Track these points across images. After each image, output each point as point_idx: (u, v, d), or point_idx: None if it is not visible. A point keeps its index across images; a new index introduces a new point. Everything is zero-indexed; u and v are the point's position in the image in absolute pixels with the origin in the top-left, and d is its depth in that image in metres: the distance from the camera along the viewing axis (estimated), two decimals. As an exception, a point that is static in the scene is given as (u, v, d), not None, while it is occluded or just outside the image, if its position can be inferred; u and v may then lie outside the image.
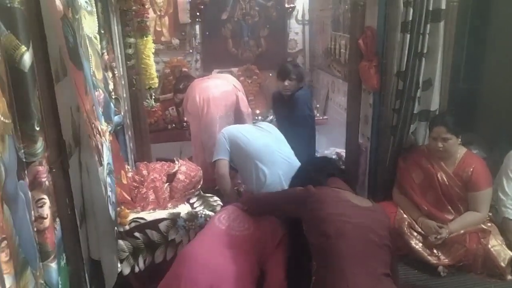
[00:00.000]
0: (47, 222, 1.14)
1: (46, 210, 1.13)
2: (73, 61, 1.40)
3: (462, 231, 2.48)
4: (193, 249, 1.77)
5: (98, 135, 1.59)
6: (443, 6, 2.52)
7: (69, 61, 1.38)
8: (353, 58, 2.86)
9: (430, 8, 2.50)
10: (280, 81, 3.40)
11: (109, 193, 1.63)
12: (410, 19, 2.50)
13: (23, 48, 1.04)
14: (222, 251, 1.77)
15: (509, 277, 2.37)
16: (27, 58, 1.05)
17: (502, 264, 2.36)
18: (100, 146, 1.58)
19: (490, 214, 2.61)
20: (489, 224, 2.54)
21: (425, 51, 2.57)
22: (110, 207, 1.63)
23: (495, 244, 2.42)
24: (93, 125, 1.54)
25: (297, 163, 2.89)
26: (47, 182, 1.14)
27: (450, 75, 2.81)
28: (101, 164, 1.57)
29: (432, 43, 2.58)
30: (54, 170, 1.28)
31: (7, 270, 0.87)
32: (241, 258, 1.76)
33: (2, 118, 0.95)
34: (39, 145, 1.10)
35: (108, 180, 1.65)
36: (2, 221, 0.89)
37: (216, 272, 1.68)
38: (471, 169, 2.52)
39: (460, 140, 2.55)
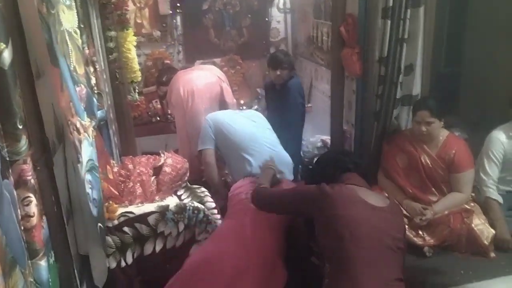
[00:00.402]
0: (34, 220, 1.13)
1: (33, 208, 1.13)
2: (49, 58, 1.39)
3: (446, 212, 2.53)
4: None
5: (75, 132, 1.58)
6: (423, -9, 2.54)
7: (47, 56, 1.36)
8: (335, 45, 2.88)
9: (410, -6, 2.52)
10: (272, 70, 3.39)
11: (89, 190, 1.63)
12: (391, 5, 2.51)
13: (2, 45, 1.02)
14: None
15: (492, 254, 2.44)
16: (6, 55, 1.03)
17: (486, 242, 2.42)
18: (78, 143, 1.57)
19: (473, 194, 2.67)
20: (472, 204, 2.60)
21: (406, 36, 2.59)
22: (90, 205, 1.62)
23: (478, 223, 2.48)
24: (69, 122, 1.53)
25: (284, 153, 2.91)
26: (32, 180, 1.13)
27: (431, 60, 2.85)
28: (79, 161, 1.56)
29: (413, 28, 2.60)
30: (38, 168, 1.27)
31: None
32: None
33: None
34: (23, 143, 1.09)
35: (89, 177, 1.64)
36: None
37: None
38: (454, 151, 2.57)
39: (442, 123, 2.59)
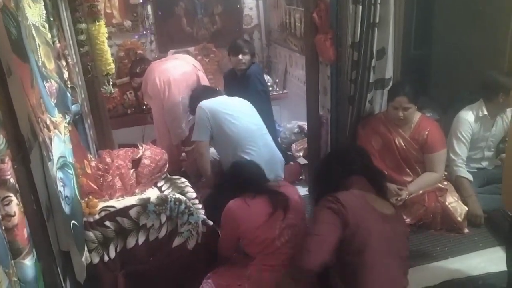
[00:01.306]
0: (15, 220, 1.12)
1: (14, 208, 1.11)
2: (17, 54, 1.35)
3: (420, 192, 2.63)
4: None
5: (45, 129, 1.56)
6: (392, -25, 2.57)
7: (12, 54, 1.33)
8: (308, 31, 2.89)
9: (379, -22, 2.55)
10: (234, 56, 3.41)
11: (61, 188, 1.61)
12: (361, -10, 2.54)
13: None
14: None
15: (466, 230, 2.55)
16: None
17: (459, 219, 2.53)
18: (48, 141, 1.55)
19: (446, 173, 2.77)
20: (445, 183, 2.70)
21: (377, 21, 2.62)
22: (62, 202, 1.61)
23: (452, 201, 2.59)
24: (39, 119, 1.51)
25: (277, 151, 2.93)
26: (11, 180, 1.12)
27: (402, 43, 2.91)
28: (50, 159, 1.54)
29: (384, 12, 2.63)
30: (15, 166, 1.25)
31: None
32: None
33: None
34: (-1, 142, 1.08)
35: (60, 174, 1.62)
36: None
37: None
38: (426, 132, 2.65)
39: (416, 107, 2.66)
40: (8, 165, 1.11)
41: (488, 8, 3.30)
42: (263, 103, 3.41)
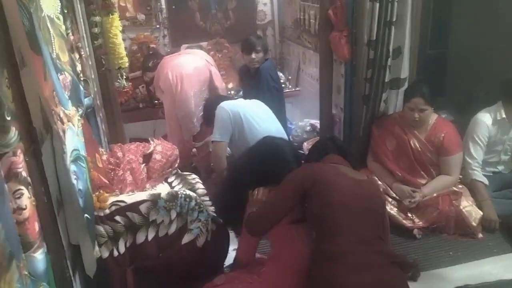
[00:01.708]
0: (26, 213, 1.11)
1: (25, 201, 1.10)
2: (30, 46, 1.34)
3: (435, 194, 2.58)
4: None
5: (59, 122, 1.55)
6: (411, -27, 2.53)
7: (27, 45, 1.32)
8: (323, 28, 2.86)
9: (398, -24, 2.50)
10: (247, 55, 3.38)
11: (74, 181, 1.60)
12: (379, -13, 2.50)
13: (-16, 35, 0.99)
14: None
15: (480, 235, 2.50)
16: (-12, 45, 1.00)
17: (474, 224, 2.48)
18: (62, 133, 1.54)
19: (461, 176, 2.71)
20: (460, 186, 2.65)
21: (394, 19, 2.58)
22: (77, 195, 1.60)
23: (466, 205, 2.53)
24: (52, 111, 1.49)
25: None
26: (23, 173, 1.11)
27: (418, 42, 2.86)
28: (64, 152, 1.53)
29: (401, 10, 2.60)
30: (27, 159, 1.24)
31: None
32: None
33: None
34: (11, 135, 1.06)
35: (74, 167, 1.61)
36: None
37: None
38: (443, 135, 2.60)
39: (432, 108, 2.61)
40: (20, 158, 1.09)
41: (506, 8, 3.23)
42: (275, 100, 3.36)
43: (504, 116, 2.71)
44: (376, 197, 1.86)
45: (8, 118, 1.05)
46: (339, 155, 2.02)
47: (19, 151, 1.09)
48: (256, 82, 3.39)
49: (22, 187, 1.10)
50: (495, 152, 2.83)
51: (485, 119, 2.74)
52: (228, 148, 2.98)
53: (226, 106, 2.79)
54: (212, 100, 3.11)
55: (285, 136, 2.88)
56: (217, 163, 2.84)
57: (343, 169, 1.89)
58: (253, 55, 3.32)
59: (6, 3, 1.20)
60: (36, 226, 1.18)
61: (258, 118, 2.81)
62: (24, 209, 1.11)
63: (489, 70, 3.41)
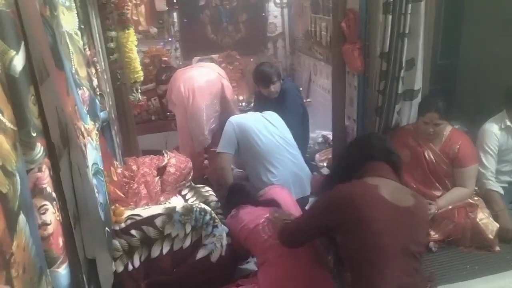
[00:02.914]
0: (51, 228, 1.12)
1: (49, 216, 1.11)
2: (54, 61, 1.36)
3: (450, 207, 2.55)
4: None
5: (81, 136, 1.56)
6: (423, -14, 2.52)
7: (51, 60, 1.34)
8: (336, 40, 2.86)
9: (411, -12, 2.50)
10: (265, 88, 3.26)
11: (96, 195, 1.61)
12: (392, 0, 2.49)
13: (12, 52, 1.00)
14: None
15: (497, 248, 2.46)
16: (17, 62, 1.01)
17: (490, 236, 2.44)
18: (84, 148, 1.55)
19: (476, 188, 2.68)
20: (476, 198, 2.61)
21: (407, 31, 2.57)
22: (99, 208, 1.61)
23: (483, 217, 2.49)
24: (75, 126, 1.51)
25: (304, 165, 2.89)
26: (48, 188, 1.12)
27: (431, 54, 2.85)
28: (87, 166, 1.55)
29: (414, 23, 2.58)
30: (52, 174, 1.25)
31: (18, 285, 0.85)
32: None
33: (11, 126, 0.93)
34: (37, 151, 1.07)
35: (94, 181, 1.62)
36: (19, 233, 0.88)
37: None
38: (458, 146, 2.57)
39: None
40: (45, 173, 1.11)
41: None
42: (304, 117, 3.39)
43: (508, 124, 2.70)
44: (421, 234, 1.60)
45: (34, 135, 1.07)
46: (385, 163, 1.70)
47: (44, 167, 1.11)
48: (281, 104, 3.26)
49: (47, 203, 1.12)
50: (508, 161, 2.80)
51: (492, 128, 2.74)
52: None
53: (233, 119, 2.87)
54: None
55: (295, 147, 2.89)
56: (221, 174, 2.87)
57: (386, 189, 1.58)
58: (272, 88, 3.22)
59: (30, 19, 1.22)
60: (60, 241, 1.19)
61: (266, 128, 2.82)
62: (49, 224, 1.13)
63: (500, 79, 3.38)
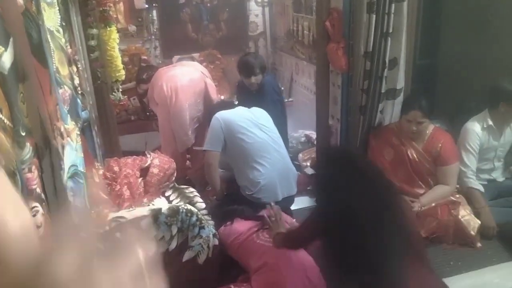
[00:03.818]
0: (41, 231, 1.07)
1: (40, 219, 1.06)
2: (37, 58, 1.31)
3: (433, 204, 2.58)
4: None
5: (59, 137, 1.51)
6: (406, -14, 2.55)
7: (32, 58, 1.28)
8: (320, 39, 2.86)
9: (394, -12, 2.52)
10: (246, 78, 3.24)
11: (71, 198, 1.56)
12: (375, -1, 2.51)
13: (1, 48, 0.95)
14: None
15: (478, 244, 2.51)
16: (6, 59, 0.96)
17: (472, 233, 2.49)
18: (60, 149, 1.50)
19: (458, 186, 2.73)
20: (457, 196, 2.66)
21: (390, 30, 2.60)
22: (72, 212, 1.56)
23: (465, 214, 2.54)
24: (54, 126, 1.46)
25: (290, 163, 2.86)
26: (37, 189, 1.07)
27: (413, 53, 2.88)
28: (61, 168, 1.49)
29: (397, 22, 2.61)
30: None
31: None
32: None
33: (9, 123, 0.88)
34: (26, 151, 1.02)
35: (71, 184, 1.57)
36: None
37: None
38: (440, 145, 2.61)
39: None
40: (34, 174, 1.06)
41: (495, 17, 3.29)
42: (280, 113, 3.33)
43: (490, 123, 2.75)
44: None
45: (23, 134, 1.02)
46: None
47: (33, 167, 1.06)
48: (259, 97, 3.28)
49: (37, 204, 1.07)
50: (488, 160, 2.86)
51: (474, 127, 2.78)
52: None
53: (220, 115, 2.76)
54: (214, 106, 3.03)
55: (282, 145, 2.87)
56: (208, 171, 2.77)
57: None
58: (253, 79, 3.20)
59: (11, 15, 1.16)
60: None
61: (254, 125, 2.76)
62: (40, 226, 1.08)
63: (479, 79, 3.45)
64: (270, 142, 2.74)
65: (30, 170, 1.04)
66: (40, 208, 1.06)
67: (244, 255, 2.11)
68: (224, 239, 2.19)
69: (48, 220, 1.13)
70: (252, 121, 2.76)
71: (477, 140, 2.77)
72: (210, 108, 3.11)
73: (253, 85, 3.25)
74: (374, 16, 2.55)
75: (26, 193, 1.02)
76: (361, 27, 2.59)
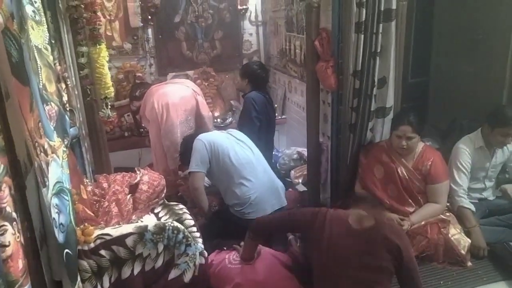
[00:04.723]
0: (9, 250, 1.06)
1: (8, 237, 1.06)
2: (17, 77, 1.31)
3: (423, 223, 2.58)
4: None
5: (42, 154, 1.51)
6: (394, 6, 2.57)
7: (11, 77, 1.29)
8: (309, 59, 2.89)
9: (382, 8, 2.55)
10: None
11: (55, 215, 1.55)
12: (363, 19, 2.54)
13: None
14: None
15: (469, 263, 2.49)
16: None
17: (462, 252, 2.47)
18: (45, 166, 1.50)
19: (448, 204, 2.72)
20: (447, 214, 2.65)
21: (379, 50, 2.62)
22: (56, 230, 1.54)
23: (455, 232, 2.53)
24: (36, 143, 1.46)
25: (274, 177, 2.89)
26: (8, 208, 1.07)
27: (402, 72, 2.91)
28: (45, 185, 1.49)
29: (385, 42, 2.64)
30: (12, 193, 1.20)
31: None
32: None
33: None
34: (-2, 169, 1.03)
35: (55, 201, 1.56)
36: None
37: None
38: (430, 163, 2.62)
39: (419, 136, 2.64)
40: (5, 192, 1.06)
41: (486, 36, 3.33)
42: (253, 131, 3.31)
43: (482, 144, 2.76)
44: (377, 249, 1.84)
45: (-6, 152, 1.02)
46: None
47: (4, 186, 1.06)
48: (242, 110, 3.44)
49: (6, 223, 1.06)
50: (479, 179, 2.87)
51: (465, 146, 2.78)
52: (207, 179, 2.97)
53: (202, 137, 2.81)
54: (187, 139, 3.02)
55: (264, 160, 2.90)
56: (194, 194, 2.80)
57: (349, 219, 1.93)
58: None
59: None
60: (20, 263, 1.13)
61: (235, 143, 2.83)
62: (7, 246, 1.07)
63: (470, 96, 3.48)
64: (252, 159, 2.79)
65: (0, 189, 1.03)
66: (9, 227, 1.06)
67: (221, 282, 2.21)
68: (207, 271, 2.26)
69: (19, 239, 1.12)
70: (231, 140, 2.80)
71: (469, 159, 2.77)
72: (184, 143, 3.08)
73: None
74: (362, 36, 2.58)
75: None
76: (350, 47, 2.62)
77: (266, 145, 3.41)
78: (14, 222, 1.10)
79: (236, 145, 2.81)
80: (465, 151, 2.77)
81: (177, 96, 3.31)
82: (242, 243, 2.34)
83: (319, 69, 2.79)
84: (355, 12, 2.55)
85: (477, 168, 2.81)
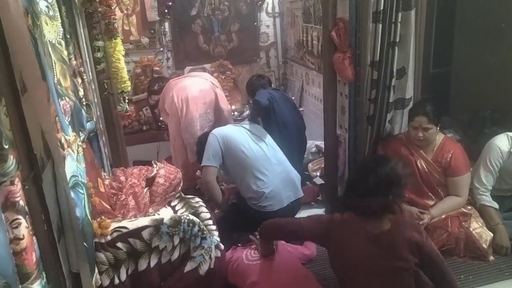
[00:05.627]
0: (24, 243, 1.08)
1: (22, 231, 1.07)
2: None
3: (443, 216, 2.52)
4: None
5: (60, 148, 1.53)
6: (413, -6, 2.51)
7: (29, 71, 1.31)
8: (326, 50, 2.84)
9: (401, -3, 2.49)
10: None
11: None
12: (382, 8, 2.48)
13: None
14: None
15: (491, 258, 2.43)
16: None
17: (484, 246, 2.41)
18: (62, 160, 1.52)
19: (470, 197, 2.65)
20: (469, 207, 2.58)
21: (397, 40, 2.56)
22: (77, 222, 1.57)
23: (476, 226, 2.47)
24: (54, 137, 1.48)
25: (290, 168, 2.87)
26: (21, 202, 1.08)
27: (422, 62, 2.84)
28: (64, 179, 1.51)
29: (404, 31, 2.57)
30: (26, 187, 1.21)
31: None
32: None
33: None
34: (9, 163, 1.03)
35: (72, 194, 1.58)
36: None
37: None
38: (450, 155, 2.54)
39: (438, 128, 2.56)
40: (17, 186, 1.07)
41: (509, 25, 3.22)
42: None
43: None
44: (398, 250, 1.81)
45: (6, 147, 1.03)
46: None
47: (16, 180, 1.07)
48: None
49: (20, 217, 1.07)
50: (506, 182, 2.69)
51: (500, 144, 2.58)
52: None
53: (215, 132, 2.85)
54: (202, 138, 3.02)
55: (279, 151, 2.89)
56: (206, 188, 2.83)
57: (364, 223, 1.88)
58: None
59: (12, 28, 1.19)
60: (34, 256, 1.14)
61: (249, 137, 2.83)
62: (22, 239, 1.08)
63: (492, 87, 3.38)
64: (266, 151, 2.80)
65: (13, 183, 1.04)
66: (23, 221, 1.07)
67: (239, 279, 2.21)
68: (225, 266, 2.28)
69: (32, 232, 1.14)
70: (245, 134, 2.81)
71: (500, 158, 2.58)
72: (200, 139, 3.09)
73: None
74: (380, 25, 2.52)
75: (7, 205, 1.03)
76: (368, 37, 2.56)
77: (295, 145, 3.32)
78: (27, 215, 1.11)
79: (249, 138, 2.82)
80: (498, 149, 2.58)
81: (196, 89, 3.31)
82: (256, 233, 2.34)
83: (336, 60, 2.74)
84: (373, 1, 2.49)
85: (505, 170, 2.61)
